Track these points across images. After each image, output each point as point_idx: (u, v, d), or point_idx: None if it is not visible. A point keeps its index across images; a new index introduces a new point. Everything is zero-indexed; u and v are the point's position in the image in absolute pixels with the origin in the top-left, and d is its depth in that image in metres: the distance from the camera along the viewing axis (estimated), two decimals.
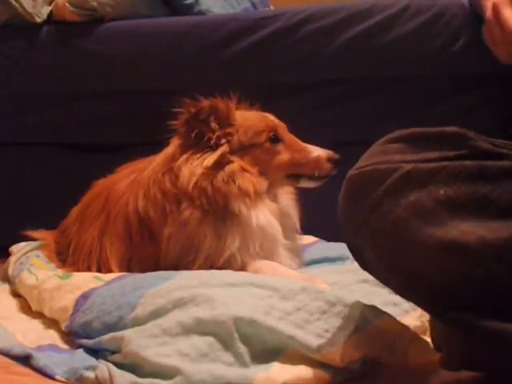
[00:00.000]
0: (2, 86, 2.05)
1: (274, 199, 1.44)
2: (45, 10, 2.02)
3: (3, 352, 1.18)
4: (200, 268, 1.32)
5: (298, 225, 1.47)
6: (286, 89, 1.82)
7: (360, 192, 0.91)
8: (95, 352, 1.12)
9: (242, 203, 1.33)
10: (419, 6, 1.69)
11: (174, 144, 1.41)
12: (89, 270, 1.41)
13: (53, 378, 1.08)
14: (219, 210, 1.33)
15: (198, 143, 1.36)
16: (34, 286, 1.38)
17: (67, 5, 1.98)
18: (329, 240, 1.63)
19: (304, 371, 1.01)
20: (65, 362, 1.11)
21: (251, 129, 1.40)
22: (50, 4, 2.03)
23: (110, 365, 1.06)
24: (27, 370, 1.12)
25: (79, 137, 2.03)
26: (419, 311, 1.15)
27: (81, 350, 1.14)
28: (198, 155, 1.35)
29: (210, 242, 1.32)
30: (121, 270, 1.38)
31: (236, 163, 1.36)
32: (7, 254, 1.65)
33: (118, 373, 1.03)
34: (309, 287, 1.12)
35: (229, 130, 1.38)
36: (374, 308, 1.10)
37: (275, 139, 1.41)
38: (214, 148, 1.36)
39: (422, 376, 1.06)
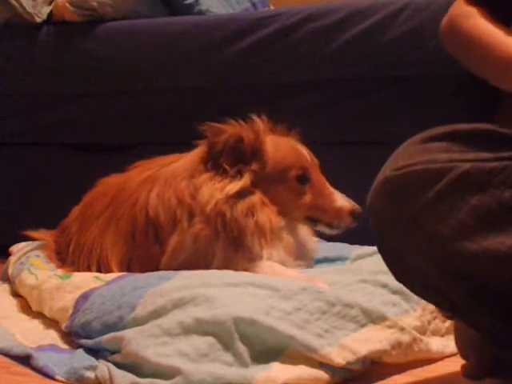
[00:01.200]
0: (1, 85, 2.05)
1: (292, 231, 1.41)
2: (45, 10, 2.02)
3: (3, 352, 1.18)
4: None
5: (314, 253, 1.46)
6: (286, 89, 1.82)
7: (407, 194, 0.83)
8: (95, 352, 1.12)
9: (257, 240, 1.31)
10: (417, 4, 1.69)
11: (198, 155, 1.38)
12: (89, 269, 1.41)
13: (53, 378, 1.08)
14: (232, 238, 1.31)
15: (221, 168, 1.33)
16: (34, 286, 1.38)
17: (67, 5, 1.98)
18: (329, 240, 1.63)
19: (304, 371, 1.01)
20: (65, 362, 1.11)
21: (281, 163, 1.37)
22: (49, 4, 2.03)
23: (110, 365, 1.06)
24: (27, 370, 1.12)
25: (79, 137, 2.03)
26: (419, 311, 1.15)
27: (81, 350, 1.14)
28: (221, 179, 1.33)
29: (217, 262, 1.31)
30: (121, 270, 1.37)
31: (257, 195, 1.34)
32: (7, 254, 1.65)
33: (118, 373, 1.03)
34: (309, 287, 1.12)
35: (256, 162, 1.35)
36: (373, 308, 1.10)
37: (303, 178, 1.38)
38: (237, 177, 1.34)
39: (422, 376, 1.06)
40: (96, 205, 1.49)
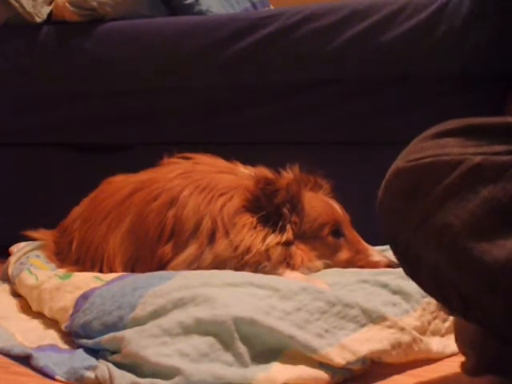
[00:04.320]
0: (1, 85, 2.05)
1: None
2: (45, 10, 2.02)
3: (3, 352, 1.18)
4: None
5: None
6: (286, 89, 1.82)
7: (419, 187, 0.82)
8: (95, 352, 1.12)
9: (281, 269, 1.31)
10: (417, 4, 1.69)
11: (248, 185, 1.36)
12: (93, 266, 1.41)
13: (53, 378, 1.08)
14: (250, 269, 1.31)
15: (265, 217, 1.33)
16: (34, 286, 1.38)
17: (67, 5, 1.98)
18: None
19: (304, 371, 1.01)
20: (65, 362, 1.11)
21: (316, 220, 1.38)
22: (50, 4, 2.03)
23: (110, 365, 1.06)
24: (27, 370, 1.12)
25: (79, 137, 2.03)
26: (419, 311, 1.15)
27: (81, 350, 1.14)
28: (263, 228, 1.32)
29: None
30: (124, 270, 1.37)
31: (296, 247, 1.34)
32: (7, 254, 1.65)
33: (118, 373, 1.03)
34: (309, 287, 1.12)
35: (296, 217, 1.35)
36: (373, 308, 1.10)
37: (337, 233, 1.39)
38: (277, 229, 1.33)
39: (422, 376, 1.06)
40: (105, 204, 1.47)
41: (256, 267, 1.30)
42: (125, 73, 1.94)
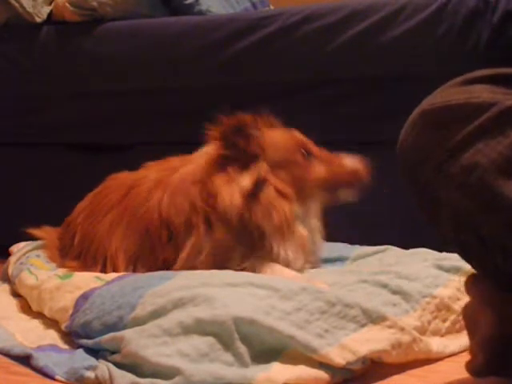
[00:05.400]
0: (2, 86, 2.05)
1: (304, 221, 1.42)
2: (45, 10, 2.02)
3: (3, 352, 1.18)
4: None
5: (321, 252, 1.47)
6: (286, 89, 1.82)
7: (447, 125, 0.83)
8: (95, 352, 1.12)
9: (275, 241, 1.33)
10: (417, 4, 1.69)
11: (207, 155, 1.39)
12: (95, 263, 1.41)
13: (53, 378, 1.08)
14: (252, 241, 1.33)
15: (233, 159, 1.34)
16: (34, 286, 1.38)
17: (67, 5, 1.98)
18: (329, 240, 1.63)
19: (304, 371, 1.01)
20: (65, 362, 1.11)
21: (282, 145, 1.39)
22: (50, 4, 2.04)
23: (110, 365, 1.05)
24: (27, 370, 1.12)
25: (79, 137, 2.03)
26: (419, 311, 1.15)
27: (81, 350, 1.14)
28: (236, 175, 1.33)
29: (233, 266, 1.32)
30: (127, 266, 1.37)
31: (271, 187, 1.34)
32: (7, 254, 1.65)
33: (118, 373, 1.03)
34: (309, 287, 1.12)
35: (261, 147, 1.36)
36: (373, 308, 1.10)
37: (306, 155, 1.40)
38: (248, 167, 1.34)
39: (422, 376, 1.06)
40: (108, 199, 1.48)
41: (245, 227, 1.31)
42: (125, 73, 1.94)
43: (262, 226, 1.32)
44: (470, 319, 0.95)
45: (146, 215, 1.38)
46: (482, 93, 0.83)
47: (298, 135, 1.43)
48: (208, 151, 1.39)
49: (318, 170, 1.40)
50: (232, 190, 1.32)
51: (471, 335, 0.95)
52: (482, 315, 0.90)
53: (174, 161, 1.48)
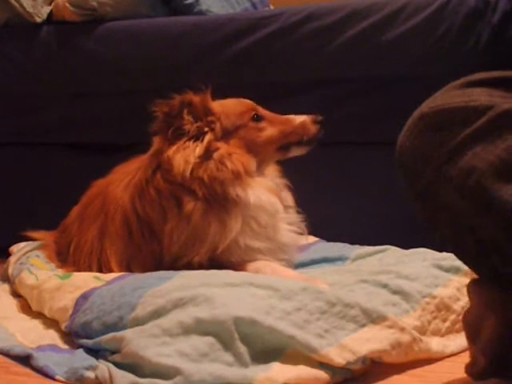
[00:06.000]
0: (2, 85, 2.05)
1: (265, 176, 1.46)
2: (45, 10, 2.02)
3: (3, 352, 1.18)
4: (203, 257, 1.33)
5: (291, 199, 1.49)
6: (286, 88, 1.82)
7: (446, 128, 0.84)
8: (95, 352, 1.12)
9: (238, 186, 1.35)
10: (417, 4, 1.69)
11: (157, 142, 1.42)
12: (90, 269, 1.41)
13: (53, 378, 1.08)
14: (220, 198, 1.34)
15: (179, 137, 1.37)
16: (34, 286, 1.38)
17: (67, 5, 1.98)
18: (329, 240, 1.63)
19: (304, 371, 1.01)
20: (65, 362, 1.11)
21: (232, 113, 1.42)
22: (50, 4, 2.04)
23: (110, 365, 1.06)
24: (27, 370, 1.12)
25: (79, 137, 2.03)
26: (419, 311, 1.15)
27: (81, 350, 1.14)
28: (187, 144, 1.36)
29: (214, 229, 1.34)
30: (121, 269, 1.38)
31: (222, 148, 1.38)
32: (7, 254, 1.65)
33: (118, 373, 1.03)
34: (309, 287, 1.12)
35: (209, 118, 1.39)
36: (373, 308, 1.10)
37: (257, 118, 1.44)
38: (198, 138, 1.37)
39: (422, 376, 1.06)
40: (92, 206, 1.50)
41: (206, 186, 1.33)
42: (125, 73, 1.94)
43: (219, 177, 1.33)
44: (471, 324, 0.95)
45: (123, 218, 1.40)
46: (480, 96, 0.84)
47: (246, 101, 1.46)
48: (157, 141, 1.42)
49: (269, 131, 1.44)
50: (184, 154, 1.35)
51: (471, 340, 0.95)
52: (484, 319, 0.90)
53: (137, 161, 1.49)
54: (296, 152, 1.46)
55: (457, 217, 0.84)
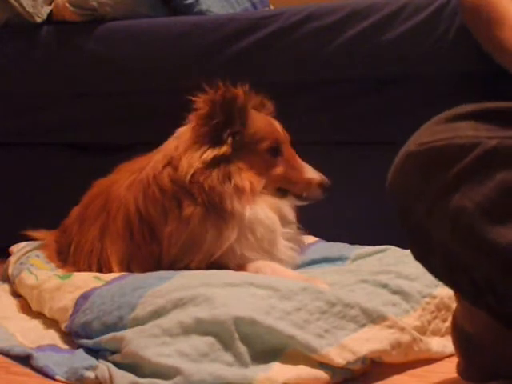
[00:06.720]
0: (2, 85, 2.05)
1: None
2: (45, 10, 2.02)
3: (3, 352, 1.18)
4: (200, 263, 1.32)
5: (293, 215, 1.48)
6: (286, 88, 1.81)
7: (432, 169, 0.82)
8: (95, 352, 1.12)
9: (237, 201, 1.33)
10: (417, 4, 1.69)
11: (181, 136, 1.41)
12: (90, 269, 1.41)
13: (53, 378, 1.08)
14: (217, 208, 1.33)
15: (206, 135, 1.35)
16: (34, 286, 1.38)
17: (67, 5, 1.98)
18: (329, 240, 1.63)
19: (304, 371, 1.01)
20: (65, 362, 1.11)
21: (257, 134, 1.39)
22: (50, 4, 2.03)
23: (110, 365, 1.06)
24: (27, 370, 1.12)
25: (79, 137, 2.03)
26: (419, 311, 1.15)
27: (81, 350, 1.14)
28: (200, 148, 1.34)
29: (210, 236, 1.33)
30: (121, 269, 1.37)
31: (233, 163, 1.36)
32: (7, 254, 1.65)
33: (118, 373, 1.03)
34: (309, 287, 1.12)
35: (239, 127, 1.37)
36: (373, 308, 1.10)
37: (275, 151, 1.41)
38: (217, 143, 1.35)
39: (422, 376, 1.06)
40: (93, 206, 1.49)
41: (204, 193, 1.31)
42: (125, 73, 1.94)
43: (219, 189, 1.32)
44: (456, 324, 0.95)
45: (125, 218, 1.40)
46: (466, 131, 0.82)
47: (276, 127, 1.44)
48: (180, 134, 1.41)
49: (277, 169, 1.41)
50: (192, 156, 1.33)
51: (458, 343, 0.96)
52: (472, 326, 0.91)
53: (141, 161, 1.48)
54: (290, 201, 1.44)
55: (450, 256, 0.83)
